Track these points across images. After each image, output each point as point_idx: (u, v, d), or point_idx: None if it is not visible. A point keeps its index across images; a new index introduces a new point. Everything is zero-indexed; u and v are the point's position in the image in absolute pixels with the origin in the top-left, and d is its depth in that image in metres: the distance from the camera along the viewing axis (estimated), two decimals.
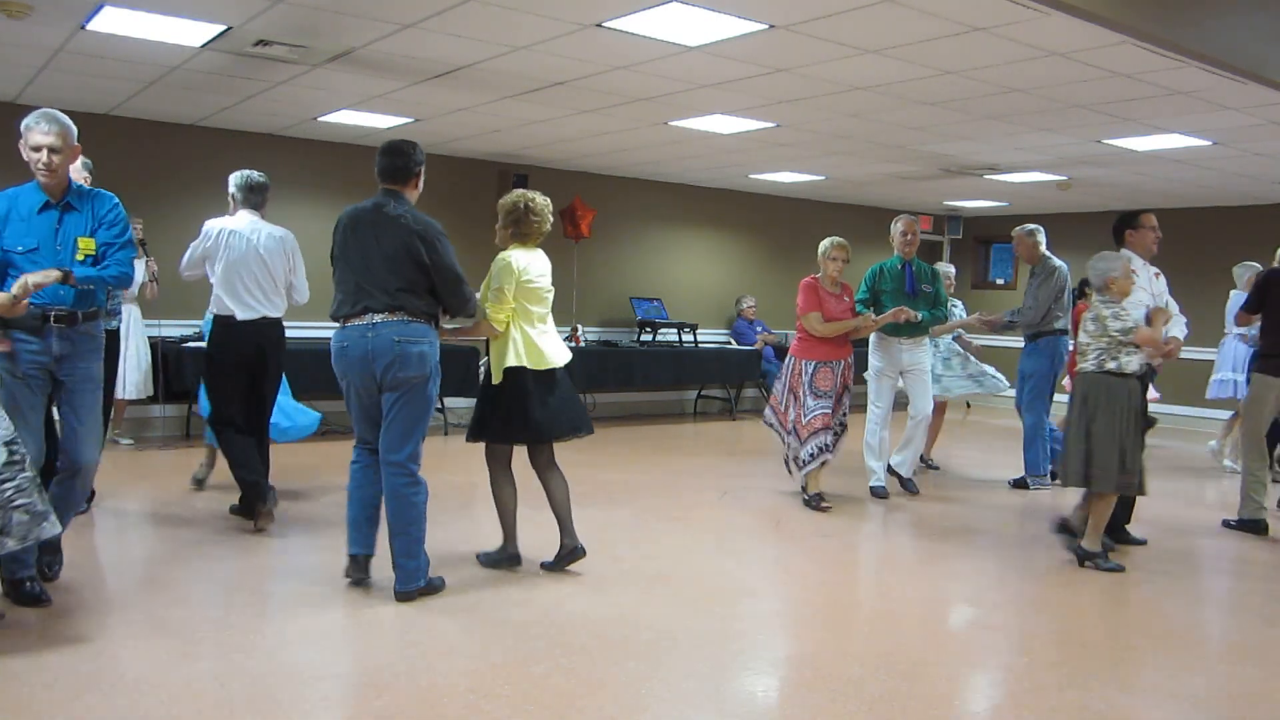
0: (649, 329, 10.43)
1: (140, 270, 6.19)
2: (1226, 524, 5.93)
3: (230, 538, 4.97)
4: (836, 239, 6.18)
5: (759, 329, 11.28)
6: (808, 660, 3.67)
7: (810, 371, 6.01)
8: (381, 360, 3.90)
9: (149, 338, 7.26)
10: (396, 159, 4.05)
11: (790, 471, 6.32)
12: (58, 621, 3.65)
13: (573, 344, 9.60)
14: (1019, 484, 7.02)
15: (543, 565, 4.53)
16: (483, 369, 4.49)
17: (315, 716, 2.99)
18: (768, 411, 6.41)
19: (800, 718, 3.15)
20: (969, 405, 11.96)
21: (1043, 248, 7.06)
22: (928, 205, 12.56)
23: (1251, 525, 5.81)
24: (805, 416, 5.98)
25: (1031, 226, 7.14)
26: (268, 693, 3.10)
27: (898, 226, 6.54)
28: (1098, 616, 4.35)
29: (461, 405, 9.36)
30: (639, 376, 9.87)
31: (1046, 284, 6.90)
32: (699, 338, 10.87)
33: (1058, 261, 7.02)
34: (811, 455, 5.97)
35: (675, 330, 10.61)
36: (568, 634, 3.72)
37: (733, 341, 11.31)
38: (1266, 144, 7.44)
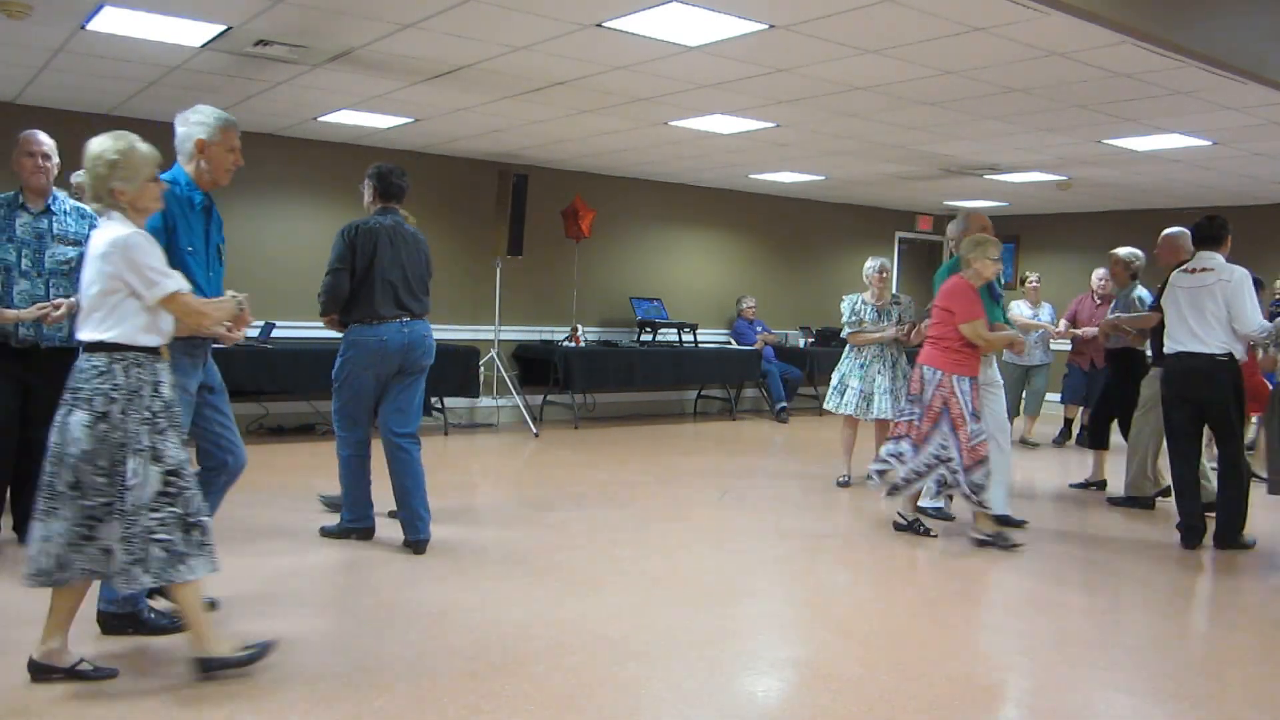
0: (649, 329, 10.43)
1: None
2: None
3: (224, 538, 4.96)
4: (984, 235, 5.40)
5: (759, 329, 11.27)
6: (808, 660, 3.67)
7: (969, 389, 5.24)
8: (414, 351, 4.74)
9: None
10: (401, 181, 4.88)
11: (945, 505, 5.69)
12: None
13: (573, 344, 9.62)
14: None
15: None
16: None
17: (315, 716, 2.99)
18: (889, 456, 5.41)
19: (800, 718, 3.15)
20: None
21: None
22: (928, 205, 12.56)
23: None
24: (972, 440, 5.19)
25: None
26: (267, 692, 3.10)
27: (960, 225, 5.93)
28: (1099, 616, 4.35)
29: (462, 405, 9.37)
30: (639, 376, 9.86)
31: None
32: (699, 338, 10.87)
33: None
34: (981, 484, 5.20)
35: (675, 330, 10.61)
36: (567, 634, 3.73)
37: (733, 341, 11.31)
38: (1266, 144, 7.44)
